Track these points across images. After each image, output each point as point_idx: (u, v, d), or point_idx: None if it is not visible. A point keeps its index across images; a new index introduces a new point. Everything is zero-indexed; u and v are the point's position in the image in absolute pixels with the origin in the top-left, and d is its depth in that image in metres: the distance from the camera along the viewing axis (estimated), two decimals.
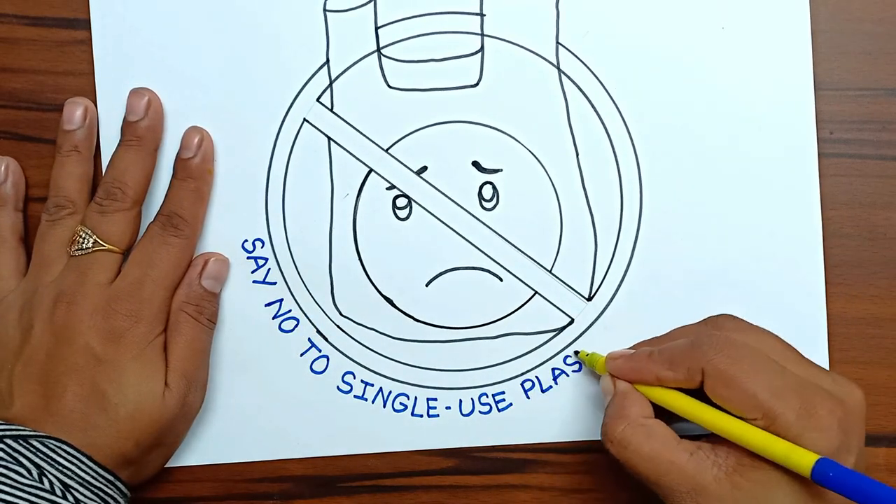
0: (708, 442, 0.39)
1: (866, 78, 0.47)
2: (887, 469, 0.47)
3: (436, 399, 0.47)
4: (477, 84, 0.46)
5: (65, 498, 0.40)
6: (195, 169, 0.45)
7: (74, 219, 0.45)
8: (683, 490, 0.38)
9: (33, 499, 0.39)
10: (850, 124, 0.47)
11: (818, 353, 0.46)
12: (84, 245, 0.44)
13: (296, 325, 0.47)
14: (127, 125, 0.45)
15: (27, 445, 0.40)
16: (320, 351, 0.47)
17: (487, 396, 0.47)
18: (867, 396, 0.40)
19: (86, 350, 0.42)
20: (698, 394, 0.40)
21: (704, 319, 0.44)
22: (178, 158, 0.46)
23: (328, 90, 0.46)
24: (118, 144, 0.45)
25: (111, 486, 0.42)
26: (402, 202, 0.47)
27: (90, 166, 0.46)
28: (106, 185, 0.44)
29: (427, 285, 0.47)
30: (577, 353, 0.46)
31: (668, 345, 0.41)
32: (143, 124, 0.45)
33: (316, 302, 0.47)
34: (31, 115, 0.47)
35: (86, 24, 0.46)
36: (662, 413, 0.41)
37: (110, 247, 0.44)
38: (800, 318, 0.46)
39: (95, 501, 0.41)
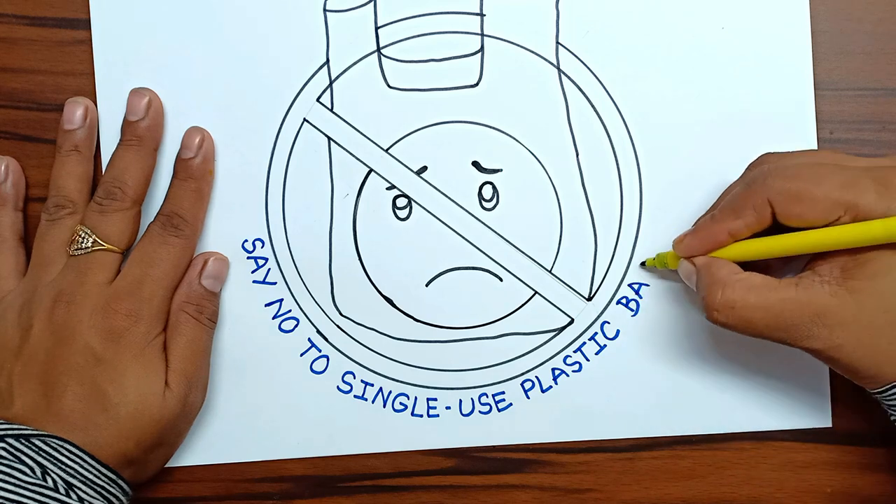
0: (806, 269, 0.39)
1: (866, 78, 0.47)
2: None
3: (436, 399, 0.47)
4: (477, 84, 0.46)
5: (68, 496, 0.40)
6: (196, 169, 0.45)
7: (74, 218, 0.45)
8: (806, 320, 0.37)
9: (42, 498, 0.39)
10: (850, 124, 0.47)
11: None
12: (83, 245, 0.44)
13: (296, 325, 0.47)
14: (127, 125, 0.45)
15: (29, 444, 0.40)
16: (320, 351, 0.47)
17: (487, 396, 0.47)
18: None
19: (85, 350, 0.42)
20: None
21: (746, 168, 0.43)
22: (178, 158, 0.46)
23: (328, 90, 0.46)
24: (118, 144, 0.45)
25: (113, 485, 0.42)
26: (402, 202, 0.47)
27: (90, 166, 0.46)
28: (105, 185, 0.44)
29: (427, 285, 0.47)
30: (643, 264, 0.46)
31: (725, 199, 0.41)
32: (144, 124, 0.45)
33: (316, 302, 0.47)
34: (31, 115, 0.47)
35: (86, 24, 0.46)
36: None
37: (110, 246, 0.44)
38: None
39: (99, 500, 0.41)
